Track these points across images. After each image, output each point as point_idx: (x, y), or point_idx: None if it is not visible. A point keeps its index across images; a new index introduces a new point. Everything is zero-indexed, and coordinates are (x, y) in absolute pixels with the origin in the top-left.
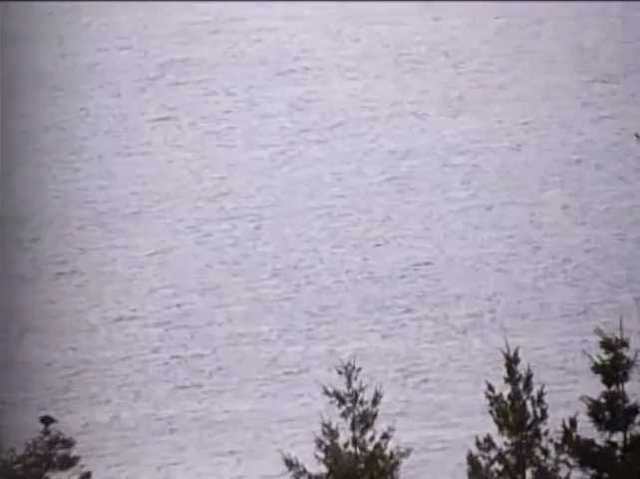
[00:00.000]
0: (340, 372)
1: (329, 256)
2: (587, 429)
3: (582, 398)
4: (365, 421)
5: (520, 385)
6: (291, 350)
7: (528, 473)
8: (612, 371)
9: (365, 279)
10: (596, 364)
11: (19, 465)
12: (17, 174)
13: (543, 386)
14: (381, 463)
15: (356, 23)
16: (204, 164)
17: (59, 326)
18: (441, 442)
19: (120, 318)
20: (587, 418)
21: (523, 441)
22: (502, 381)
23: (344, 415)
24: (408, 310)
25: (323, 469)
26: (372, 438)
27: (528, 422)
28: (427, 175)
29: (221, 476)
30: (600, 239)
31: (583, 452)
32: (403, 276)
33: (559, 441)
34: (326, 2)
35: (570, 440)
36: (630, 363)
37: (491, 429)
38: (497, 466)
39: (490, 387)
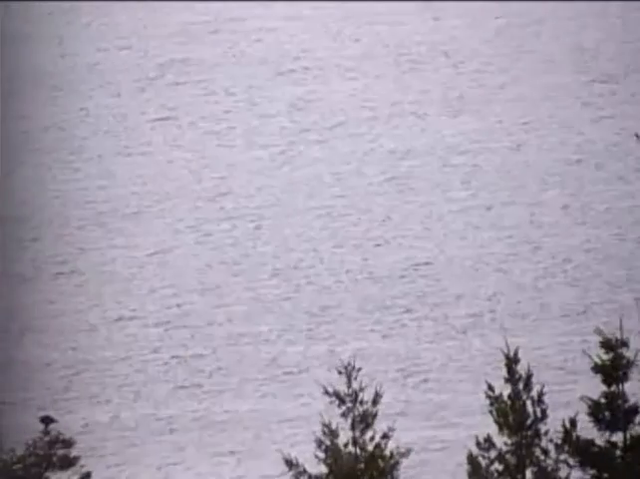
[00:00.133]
0: (340, 372)
1: (329, 256)
2: (587, 429)
3: (582, 398)
4: (365, 421)
5: (520, 385)
6: (291, 350)
7: (528, 473)
8: (612, 371)
9: (365, 279)
10: (596, 364)
11: (19, 465)
12: (17, 173)
13: (543, 386)
14: (381, 463)
15: (356, 23)
16: (204, 164)
17: (59, 326)
18: (441, 442)
19: (120, 318)
20: (587, 418)
21: (523, 441)
22: (503, 381)
23: (344, 415)
24: (408, 310)
25: (323, 469)
26: (372, 438)
27: (528, 422)
28: (427, 175)
29: (221, 476)
30: (600, 240)
31: (583, 452)
32: (403, 276)
33: (559, 441)
34: (326, 2)
35: (570, 440)
36: (630, 363)
37: (492, 429)
38: (497, 466)
39: (490, 387)
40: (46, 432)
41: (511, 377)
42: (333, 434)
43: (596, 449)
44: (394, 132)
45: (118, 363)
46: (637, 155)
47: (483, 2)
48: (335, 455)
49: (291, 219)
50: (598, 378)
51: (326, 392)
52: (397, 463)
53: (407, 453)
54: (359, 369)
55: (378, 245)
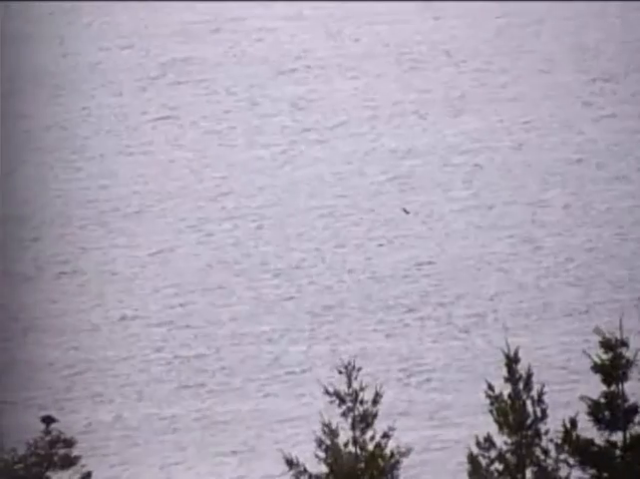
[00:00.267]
0: (340, 372)
1: (331, 256)
2: (587, 429)
3: (582, 398)
4: (365, 421)
5: (521, 385)
6: (294, 350)
7: (528, 473)
8: (612, 371)
9: (367, 279)
10: (596, 364)
11: (20, 465)
12: (19, 173)
13: (543, 386)
14: (381, 462)
15: (357, 22)
16: (206, 163)
17: (61, 326)
18: (443, 442)
19: (122, 318)
20: (587, 418)
21: (523, 441)
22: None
23: (344, 415)
24: (410, 310)
25: (324, 469)
26: (372, 438)
27: (528, 422)
28: (428, 174)
29: (223, 476)
30: (602, 239)
31: (583, 452)
32: (405, 276)
33: (559, 441)
34: (327, 2)
35: (570, 440)
36: (630, 363)
37: (493, 429)
38: (498, 466)
39: (490, 386)
40: (47, 432)
41: (511, 377)
42: (333, 434)
43: (596, 449)
44: (395, 131)
45: (120, 363)
46: (638, 154)
47: (484, 2)
48: (335, 455)
49: (293, 218)
50: (600, 378)
51: (326, 392)
52: (397, 462)
53: (407, 452)
54: (359, 369)
55: (380, 245)
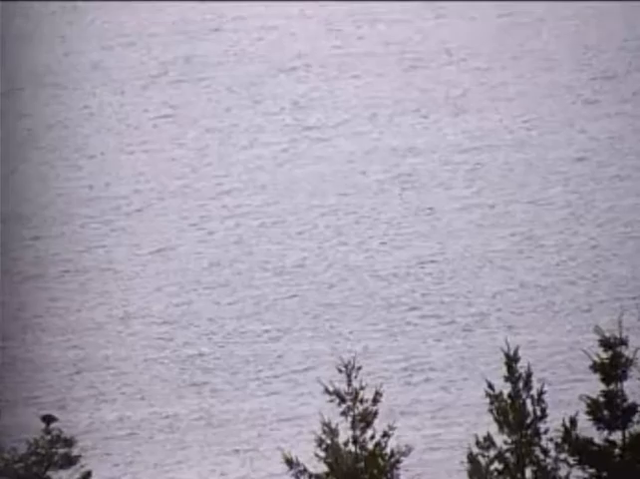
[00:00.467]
0: (340, 371)
1: (333, 255)
2: (587, 429)
3: (581, 397)
4: (365, 420)
5: (520, 384)
6: (296, 348)
7: (528, 472)
8: (611, 370)
9: (369, 278)
10: (595, 363)
11: (21, 464)
12: (20, 171)
13: (543, 385)
14: (381, 462)
15: (358, 21)
16: (207, 161)
17: (63, 324)
18: (445, 441)
19: (124, 316)
20: (586, 417)
21: (523, 440)
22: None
23: (344, 414)
24: (412, 308)
25: (324, 468)
26: (372, 437)
27: (528, 421)
28: (430, 173)
29: (226, 474)
30: (604, 237)
31: (582, 451)
32: (407, 274)
33: (559, 440)
34: (328, 1)
35: (570, 439)
36: (629, 362)
37: (495, 428)
38: (497, 465)
39: (490, 386)
40: (47, 431)
41: (511, 376)
42: (333, 433)
43: (595, 448)
44: (396, 130)
45: (122, 361)
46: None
47: (485, 1)
48: (335, 454)
49: (294, 217)
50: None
51: (326, 391)
52: (397, 462)
53: (407, 452)
54: (359, 368)
55: (382, 244)
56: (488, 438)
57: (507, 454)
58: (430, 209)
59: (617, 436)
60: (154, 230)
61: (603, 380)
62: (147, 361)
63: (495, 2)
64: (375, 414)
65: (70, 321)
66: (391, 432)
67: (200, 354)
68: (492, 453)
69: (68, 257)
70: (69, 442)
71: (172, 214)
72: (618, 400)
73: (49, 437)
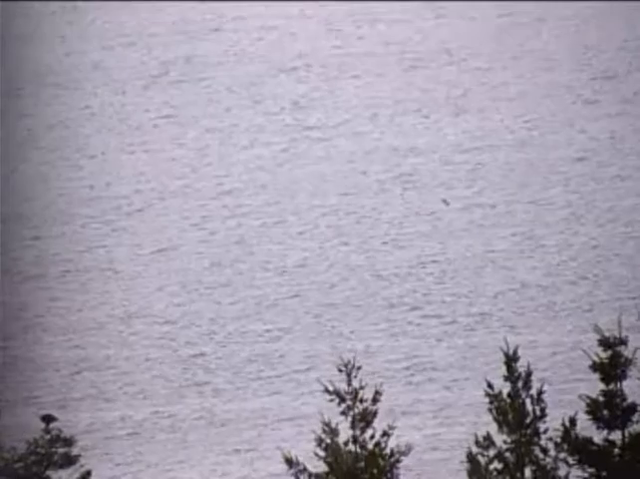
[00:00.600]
0: (340, 370)
1: (334, 255)
2: (587, 429)
3: (581, 397)
4: (365, 419)
5: (520, 383)
6: (298, 348)
7: (527, 471)
8: (610, 369)
9: (371, 278)
10: (594, 362)
11: (20, 463)
12: (21, 171)
13: (543, 385)
14: (381, 461)
15: (358, 21)
16: (208, 162)
17: (65, 324)
18: (447, 441)
19: (125, 316)
20: (586, 416)
21: (522, 439)
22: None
23: (344, 413)
24: (414, 308)
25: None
26: (372, 436)
27: (528, 421)
28: (430, 173)
29: (228, 474)
30: (604, 237)
31: (582, 450)
32: (409, 274)
33: (559, 439)
34: (328, 1)
35: (569, 438)
36: (628, 361)
37: (496, 427)
38: (497, 464)
39: (490, 385)
40: (47, 431)
41: (511, 376)
42: (333, 432)
43: (595, 447)
44: (397, 130)
45: (123, 361)
46: None
47: (485, 1)
48: (335, 453)
49: (295, 217)
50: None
51: (326, 390)
52: (397, 461)
53: (407, 451)
54: (359, 367)
55: (384, 244)
56: (488, 438)
57: (507, 454)
58: (431, 208)
59: (617, 436)
60: (155, 230)
61: (603, 380)
62: (148, 361)
63: (495, 2)
64: (375, 414)
65: (71, 321)
66: (391, 432)
67: (202, 354)
68: (492, 453)
69: (69, 257)
70: (68, 442)
71: (173, 214)
72: (618, 400)
73: (48, 437)
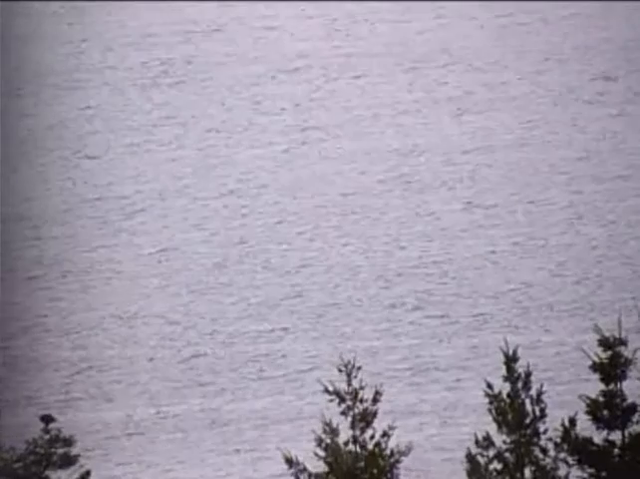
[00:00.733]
0: (340, 370)
1: (336, 255)
2: (586, 428)
3: (580, 397)
4: (365, 420)
5: (520, 384)
6: (300, 348)
7: (527, 472)
8: (610, 370)
9: (372, 278)
10: (594, 363)
11: (19, 464)
12: (21, 172)
13: (542, 385)
14: (381, 461)
15: (359, 22)
16: (208, 162)
17: (66, 325)
18: (449, 441)
19: (127, 317)
20: (586, 417)
21: (522, 440)
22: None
23: (344, 413)
24: (416, 309)
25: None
26: (372, 436)
27: (527, 421)
28: (432, 173)
29: (230, 474)
30: (606, 238)
31: (582, 451)
32: (410, 275)
33: (558, 440)
34: (329, 1)
35: (569, 439)
36: (628, 361)
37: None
38: (496, 465)
39: (489, 385)
40: (46, 431)
41: (510, 376)
42: (334, 432)
43: (594, 448)
44: (398, 130)
45: (124, 362)
46: None
47: (486, 1)
48: (335, 453)
49: (296, 217)
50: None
51: (326, 390)
52: (397, 461)
53: (407, 451)
54: (359, 367)
55: (385, 244)
56: (488, 438)
57: (507, 454)
58: (432, 209)
59: (617, 436)
60: (156, 230)
61: (602, 380)
62: (150, 361)
63: (496, 2)
64: (375, 414)
65: (72, 321)
66: (391, 432)
67: (204, 354)
68: (492, 453)
69: (70, 258)
70: (68, 442)
71: (175, 214)
72: (618, 400)
73: (47, 437)
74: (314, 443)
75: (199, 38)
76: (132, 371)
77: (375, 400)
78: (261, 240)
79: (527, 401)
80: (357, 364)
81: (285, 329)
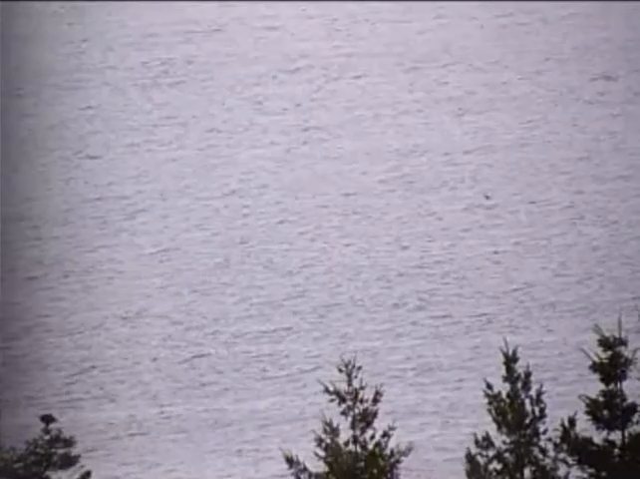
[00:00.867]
0: (340, 370)
1: (337, 255)
2: (586, 429)
3: (580, 397)
4: (365, 420)
5: (519, 384)
6: (303, 348)
7: (527, 472)
8: (610, 370)
9: (374, 278)
10: (594, 362)
11: (20, 464)
12: (22, 172)
13: (542, 385)
14: (381, 462)
15: (359, 22)
16: (209, 162)
17: (67, 325)
18: (450, 442)
19: (128, 317)
20: (586, 417)
21: (522, 440)
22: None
23: (344, 413)
24: (418, 309)
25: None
26: (372, 436)
27: (527, 421)
28: (433, 173)
29: (232, 475)
30: (608, 238)
31: (581, 451)
32: (412, 275)
33: (558, 440)
34: (329, 1)
35: (569, 439)
36: (628, 362)
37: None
38: (496, 465)
39: (489, 385)
40: (47, 431)
41: (510, 376)
42: (334, 432)
43: (594, 448)
44: (399, 130)
45: (125, 362)
46: None
47: (486, 1)
48: (335, 453)
49: (298, 217)
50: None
51: (326, 390)
52: (397, 461)
53: (407, 451)
54: (359, 367)
55: (387, 244)
56: (487, 438)
57: (506, 454)
58: (434, 209)
59: (617, 436)
60: (157, 230)
61: (602, 380)
62: (152, 361)
63: (496, 2)
64: (375, 414)
65: (74, 322)
66: (391, 432)
67: (207, 354)
68: (491, 453)
69: (70, 258)
70: (68, 442)
71: (176, 214)
72: (617, 400)
73: (48, 437)
74: (314, 443)
75: (200, 38)
76: (134, 371)
77: (375, 400)
78: (263, 241)
79: (527, 401)
80: (357, 364)
81: (287, 329)
